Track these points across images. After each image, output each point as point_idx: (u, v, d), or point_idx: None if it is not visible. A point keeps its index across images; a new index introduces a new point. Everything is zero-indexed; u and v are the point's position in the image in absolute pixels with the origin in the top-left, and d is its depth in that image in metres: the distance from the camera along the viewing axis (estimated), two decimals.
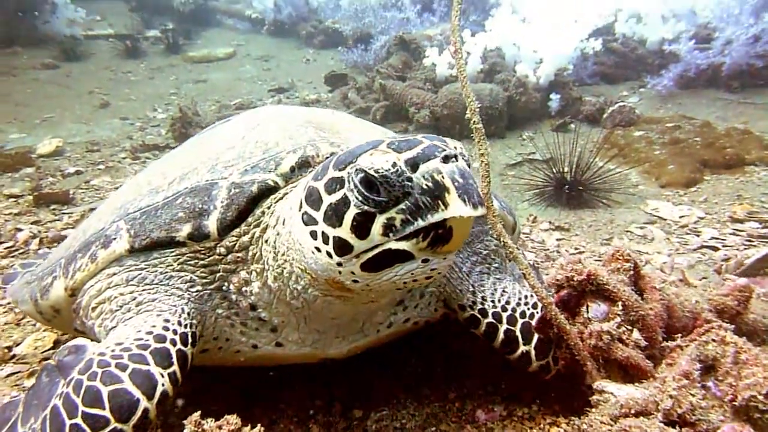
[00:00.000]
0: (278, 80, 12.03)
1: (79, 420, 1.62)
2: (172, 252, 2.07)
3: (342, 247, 1.65)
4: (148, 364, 1.75)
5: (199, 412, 1.63)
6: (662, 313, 2.22)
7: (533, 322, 2.30)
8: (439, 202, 1.53)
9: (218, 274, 2.09)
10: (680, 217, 5.06)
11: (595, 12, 9.47)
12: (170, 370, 1.79)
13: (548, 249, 4.61)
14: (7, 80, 10.69)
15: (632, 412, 1.76)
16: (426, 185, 1.53)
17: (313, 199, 1.72)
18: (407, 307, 2.32)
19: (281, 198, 2.05)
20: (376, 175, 1.53)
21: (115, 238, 2.13)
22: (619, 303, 2.15)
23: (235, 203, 2.03)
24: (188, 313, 2.01)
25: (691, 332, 2.14)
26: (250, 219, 2.05)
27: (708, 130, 6.82)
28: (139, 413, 1.65)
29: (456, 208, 1.52)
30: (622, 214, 5.36)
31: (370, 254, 1.62)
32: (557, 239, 4.83)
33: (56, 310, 2.35)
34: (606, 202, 5.64)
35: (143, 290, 2.07)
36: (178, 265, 2.08)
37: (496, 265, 2.53)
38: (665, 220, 5.09)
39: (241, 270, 2.07)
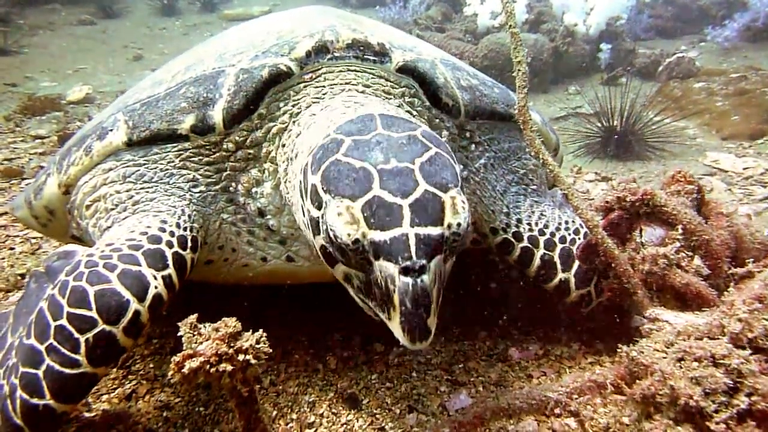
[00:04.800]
0: None
1: (64, 321, 1.47)
2: (174, 147, 1.87)
3: (319, 250, 1.50)
4: (139, 264, 1.58)
5: (195, 315, 1.45)
6: (729, 241, 1.93)
7: (575, 249, 2.04)
8: (386, 309, 1.33)
9: (225, 173, 1.88)
10: (744, 168, 4.62)
11: None
12: (165, 272, 1.61)
13: (593, 199, 4.27)
14: (44, 34, 10.84)
15: (692, 338, 1.49)
16: (380, 282, 1.32)
17: (305, 186, 1.52)
18: None
19: (300, 95, 1.83)
20: (334, 239, 1.34)
21: (111, 130, 1.94)
22: (679, 227, 1.87)
23: (243, 90, 1.81)
24: (189, 216, 1.81)
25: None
26: (263, 111, 1.83)
27: None
28: (129, 315, 1.49)
29: (396, 331, 1.32)
30: (677, 166, 4.92)
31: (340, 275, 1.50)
32: (603, 190, 4.47)
33: (50, 212, 2.19)
34: (659, 154, 5.22)
35: (141, 188, 1.88)
36: (180, 161, 1.88)
37: (534, 186, 2.25)
38: (726, 171, 4.66)
39: (252, 168, 1.87)
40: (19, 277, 2.87)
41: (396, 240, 1.28)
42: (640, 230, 1.93)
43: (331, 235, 1.34)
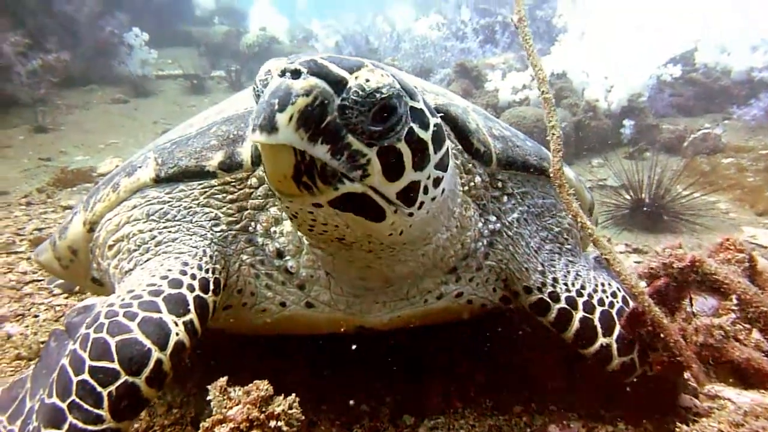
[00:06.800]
0: None
1: (86, 376, 1.42)
2: (200, 184, 1.87)
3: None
4: (160, 311, 1.54)
5: (225, 378, 1.39)
6: None
7: (614, 312, 1.94)
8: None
9: (246, 212, 1.86)
10: None
11: (672, 40, 8.99)
12: (186, 318, 1.56)
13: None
14: (80, 112, 11.33)
15: (761, 419, 1.36)
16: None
17: None
18: (460, 278, 1.99)
19: None
20: (254, 87, 1.40)
21: (140, 167, 1.96)
22: (733, 297, 1.76)
23: None
24: (211, 257, 1.78)
25: None
26: None
27: None
28: (151, 365, 1.44)
29: (249, 128, 1.30)
30: (712, 241, 4.81)
31: None
32: (635, 262, 4.35)
33: (73, 251, 2.18)
34: (690, 227, 5.11)
35: (164, 228, 1.87)
36: (204, 198, 1.87)
37: (569, 246, 2.18)
38: (765, 247, 4.51)
39: (272, 206, 1.84)
40: (41, 345, 2.83)
41: (294, 62, 1.25)
42: (690, 299, 1.83)
43: (255, 81, 1.39)
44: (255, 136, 1.21)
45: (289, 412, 1.22)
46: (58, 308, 3.25)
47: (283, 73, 1.23)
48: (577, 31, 8.94)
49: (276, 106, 1.19)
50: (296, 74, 1.22)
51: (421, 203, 1.48)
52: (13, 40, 10.20)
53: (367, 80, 1.28)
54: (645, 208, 5.22)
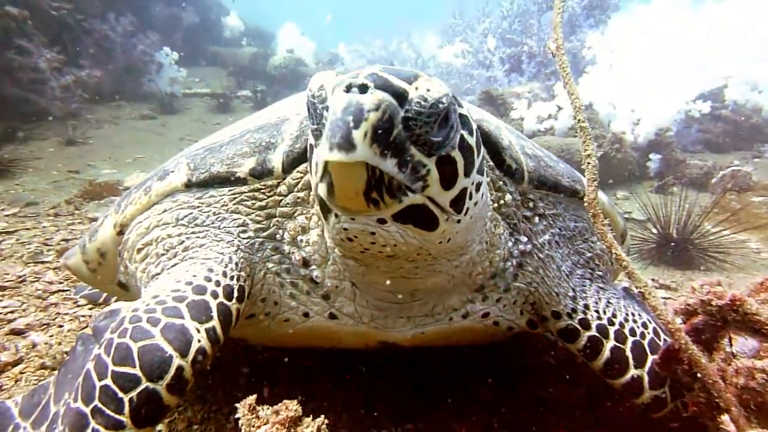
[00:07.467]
0: None
1: (108, 381, 1.41)
2: (231, 190, 1.88)
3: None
4: (182, 317, 1.53)
5: (254, 396, 1.37)
6: None
7: (646, 343, 1.88)
8: (319, 136, 1.28)
9: (274, 219, 1.85)
10: None
11: (701, 76, 8.92)
12: (208, 325, 1.55)
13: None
14: (109, 127, 11.69)
15: None
16: (327, 118, 1.27)
17: None
18: (487, 298, 1.94)
19: None
20: (308, 98, 1.35)
21: (173, 171, 1.97)
22: None
23: (305, 135, 1.81)
24: (236, 264, 1.77)
25: None
26: None
27: None
28: (172, 371, 1.43)
29: (320, 144, 1.24)
30: (743, 280, 4.68)
31: None
32: (663, 298, 4.26)
33: (102, 254, 2.18)
34: (720, 265, 4.99)
35: (192, 233, 1.86)
36: (234, 204, 1.87)
37: (600, 272, 2.12)
38: None
39: (300, 215, 1.83)
40: (65, 355, 2.84)
41: (353, 76, 1.23)
42: (730, 339, 1.76)
43: (307, 95, 1.32)
44: (333, 155, 1.19)
45: None
46: (82, 318, 3.27)
47: (348, 89, 1.22)
48: (605, 64, 8.94)
49: (351, 123, 1.18)
50: (363, 89, 1.21)
51: (467, 209, 1.48)
52: (48, 56, 10.56)
53: (428, 90, 1.27)
54: (673, 244, 5.13)
